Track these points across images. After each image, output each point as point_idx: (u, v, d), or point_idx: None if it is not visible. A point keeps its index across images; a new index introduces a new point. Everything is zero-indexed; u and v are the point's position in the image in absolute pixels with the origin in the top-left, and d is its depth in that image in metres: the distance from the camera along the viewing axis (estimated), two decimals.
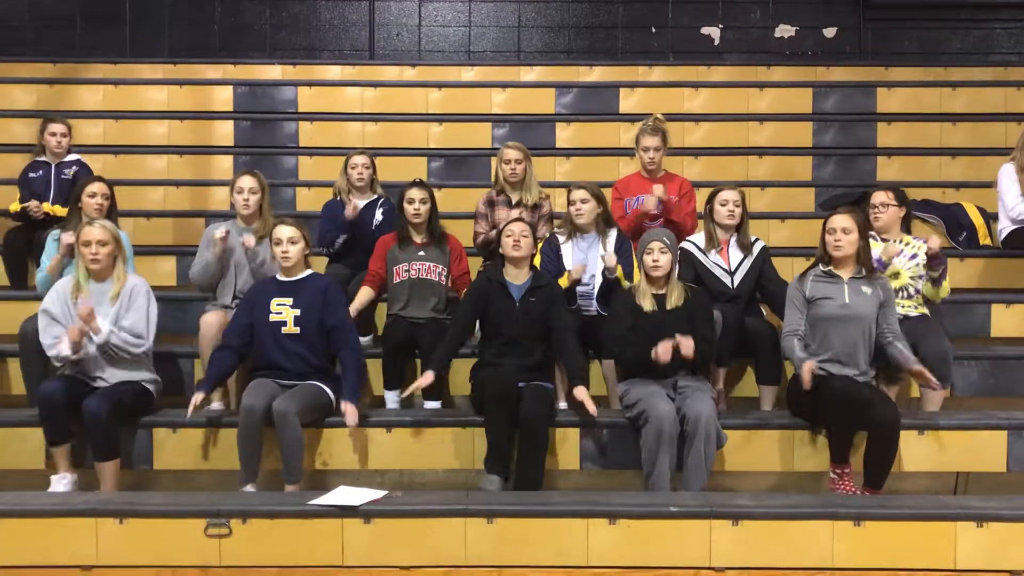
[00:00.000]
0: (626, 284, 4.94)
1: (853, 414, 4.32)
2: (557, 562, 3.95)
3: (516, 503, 4.10)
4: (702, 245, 5.14)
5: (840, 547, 3.94)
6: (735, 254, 5.09)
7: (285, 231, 4.69)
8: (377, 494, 4.12)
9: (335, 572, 3.93)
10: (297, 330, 4.61)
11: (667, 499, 4.15)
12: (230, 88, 8.38)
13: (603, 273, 4.94)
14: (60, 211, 5.84)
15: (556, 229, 5.34)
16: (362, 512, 3.98)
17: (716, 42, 9.52)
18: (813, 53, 9.40)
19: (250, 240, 4.98)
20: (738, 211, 5.08)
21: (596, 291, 5.04)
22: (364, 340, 5.36)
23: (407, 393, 4.83)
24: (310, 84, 8.45)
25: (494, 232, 5.32)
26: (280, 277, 4.75)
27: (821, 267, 4.65)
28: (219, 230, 5.02)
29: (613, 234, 5.20)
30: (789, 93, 8.37)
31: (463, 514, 3.98)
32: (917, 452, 4.60)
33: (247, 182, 5.17)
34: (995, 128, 8.03)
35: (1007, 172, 6.27)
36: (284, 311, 4.64)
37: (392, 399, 5.03)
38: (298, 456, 4.42)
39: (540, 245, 5.22)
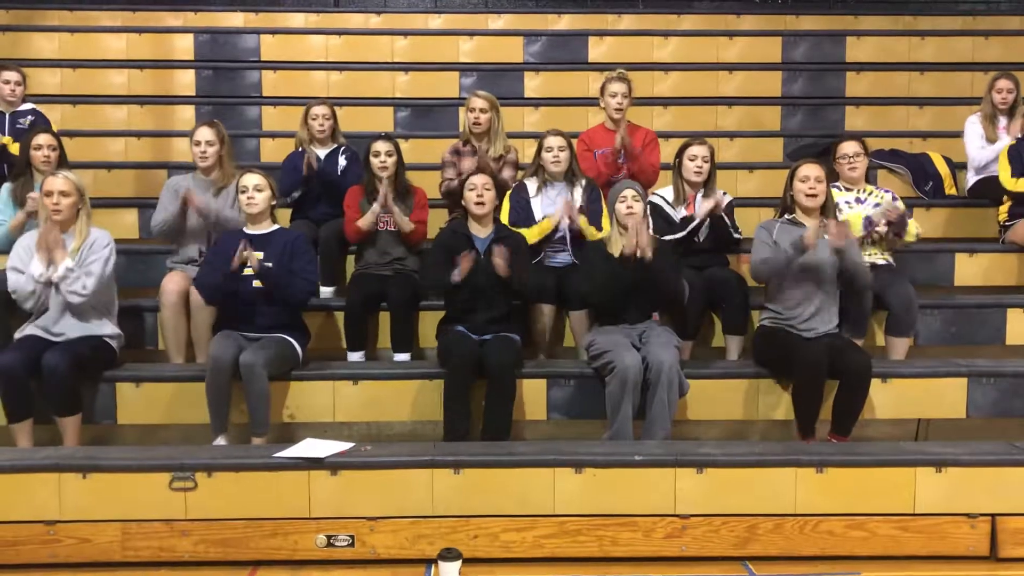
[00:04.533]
0: (595, 233, 4.92)
1: (820, 362, 4.33)
2: (523, 511, 3.96)
3: (483, 453, 4.10)
4: (670, 199, 5.13)
5: (803, 494, 3.98)
6: (702, 209, 5.06)
7: (251, 179, 4.65)
8: (343, 446, 4.11)
9: (302, 524, 3.93)
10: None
11: (632, 448, 4.17)
12: (191, 36, 8.19)
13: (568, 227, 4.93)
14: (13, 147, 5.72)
15: (526, 178, 5.28)
16: (328, 464, 3.97)
17: None
18: (783, 1, 9.32)
19: (201, 199, 4.92)
20: (706, 167, 5.06)
21: (569, 239, 5.02)
22: (327, 290, 5.33)
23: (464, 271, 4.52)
24: (273, 32, 8.28)
25: (458, 181, 5.26)
26: (249, 230, 4.68)
27: (787, 216, 4.65)
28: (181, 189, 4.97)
29: (583, 183, 5.17)
30: (758, 42, 8.31)
31: (430, 465, 3.98)
32: (880, 400, 4.65)
33: (204, 134, 5.11)
34: (962, 78, 8.05)
35: (972, 123, 6.32)
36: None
37: (356, 359, 4.97)
38: (264, 408, 4.41)
39: (508, 193, 5.17)
